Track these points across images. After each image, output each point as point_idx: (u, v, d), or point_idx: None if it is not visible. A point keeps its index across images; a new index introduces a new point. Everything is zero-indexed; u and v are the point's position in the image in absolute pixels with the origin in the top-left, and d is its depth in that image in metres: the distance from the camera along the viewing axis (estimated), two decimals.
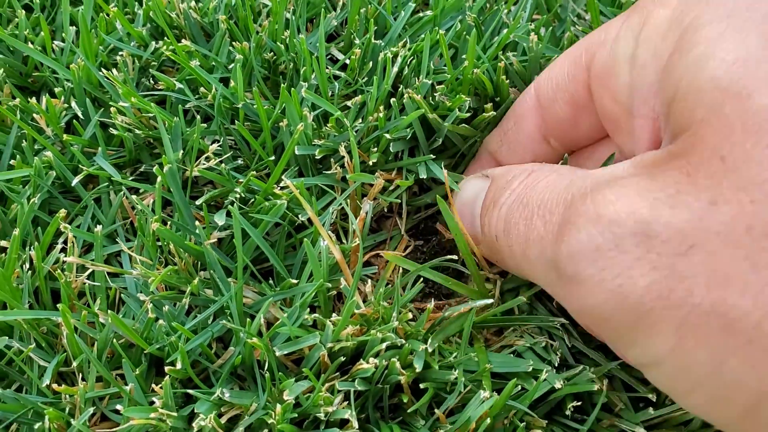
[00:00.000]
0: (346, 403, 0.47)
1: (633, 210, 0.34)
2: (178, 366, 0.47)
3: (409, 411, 0.47)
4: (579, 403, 0.47)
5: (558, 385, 0.47)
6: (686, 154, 0.33)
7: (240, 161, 0.58)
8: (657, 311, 0.32)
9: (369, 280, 0.54)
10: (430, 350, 0.49)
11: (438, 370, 0.49)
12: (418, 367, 0.47)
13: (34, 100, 0.58)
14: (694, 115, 0.33)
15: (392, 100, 0.55)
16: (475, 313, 0.50)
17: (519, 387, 0.47)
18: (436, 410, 0.47)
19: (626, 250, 0.33)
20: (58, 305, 0.49)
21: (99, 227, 0.53)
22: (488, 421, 0.45)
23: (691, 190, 0.32)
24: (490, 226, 0.46)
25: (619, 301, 0.34)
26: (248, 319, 0.49)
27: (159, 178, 0.52)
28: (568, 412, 0.47)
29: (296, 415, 0.46)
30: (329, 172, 0.56)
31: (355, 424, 0.46)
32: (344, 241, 0.55)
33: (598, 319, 0.36)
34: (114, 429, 0.47)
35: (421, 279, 0.53)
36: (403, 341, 0.48)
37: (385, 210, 0.58)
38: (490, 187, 0.48)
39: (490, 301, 0.50)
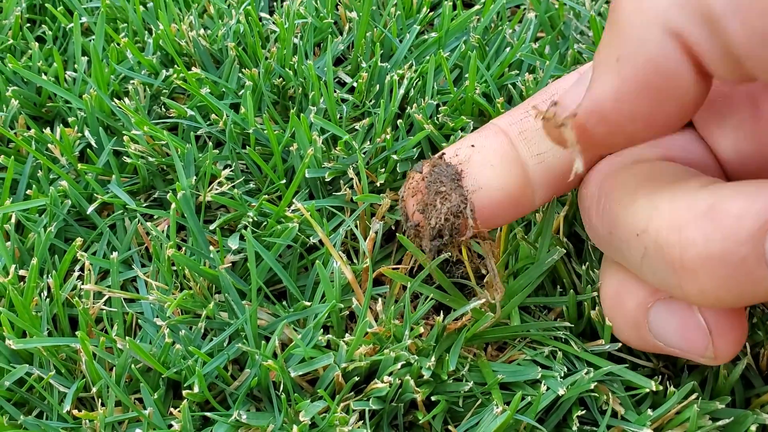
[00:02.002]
0: (361, 422, 0.48)
1: None
2: (196, 389, 0.48)
3: (421, 421, 0.48)
4: (584, 411, 0.48)
5: (561, 391, 0.48)
6: None
7: (252, 185, 0.59)
8: None
9: (380, 299, 0.55)
10: (447, 364, 0.49)
11: (451, 382, 0.50)
12: (426, 374, 0.47)
13: (48, 130, 0.59)
14: None
15: (399, 121, 0.56)
16: (477, 326, 0.51)
17: (526, 399, 0.47)
18: (449, 426, 0.48)
19: None
20: (76, 332, 0.50)
21: (115, 254, 0.54)
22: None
23: None
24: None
25: None
26: (263, 342, 0.50)
27: (173, 205, 0.53)
28: (575, 426, 0.47)
29: None
30: (339, 193, 0.57)
31: None
32: (355, 260, 0.56)
33: None
34: None
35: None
36: (416, 357, 0.49)
37: (393, 228, 0.59)
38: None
39: (482, 300, 0.50)
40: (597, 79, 0.35)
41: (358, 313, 0.52)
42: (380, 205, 0.56)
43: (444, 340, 0.52)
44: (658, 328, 0.41)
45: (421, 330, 0.50)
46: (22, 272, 0.53)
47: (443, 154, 0.41)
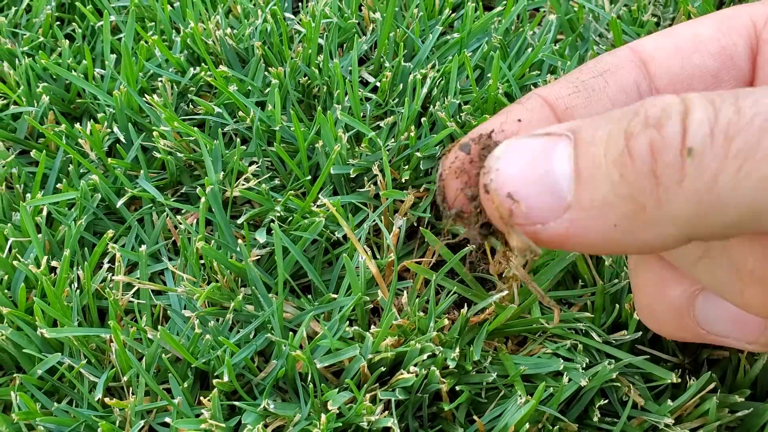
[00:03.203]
0: (386, 412, 0.49)
1: None
2: (225, 379, 0.49)
3: (445, 411, 0.49)
4: (606, 401, 0.49)
5: (584, 382, 0.48)
6: None
7: (277, 181, 0.60)
8: None
9: (404, 292, 0.56)
10: (472, 355, 0.50)
11: (474, 374, 0.51)
12: (451, 365, 0.48)
13: (78, 125, 0.60)
14: None
15: (422, 119, 0.57)
16: (500, 318, 0.52)
17: (548, 390, 0.48)
18: (474, 416, 0.49)
19: None
20: (106, 322, 0.51)
21: (143, 247, 0.55)
22: (527, 426, 0.46)
23: None
24: (679, 151, 0.32)
25: None
26: (290, 333, 0.51)
27: (203, 199, 0.54)
28: (596, 417, 0.48)
29: (340, 424, 0.48)
30: (363, 190, 0.58)
31: (397, 430, 0.47)
32: (378, 255, 0.57)
33: None
34: None
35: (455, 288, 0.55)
36: (441, 348, 0.50)
37: (415, 224, 0.60)
38: (581, 145, 0.34)
39: (505, 292, 0.51)
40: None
41: (383, 306, 0.52)
42: (403, 201, 0.57)
43: (467, 332, 0.53)
44: (707, 315, 0.41)
45: (445, 322, 0.51)
46: (53, 263, 0.55)
47: (491, 132, 0.40)
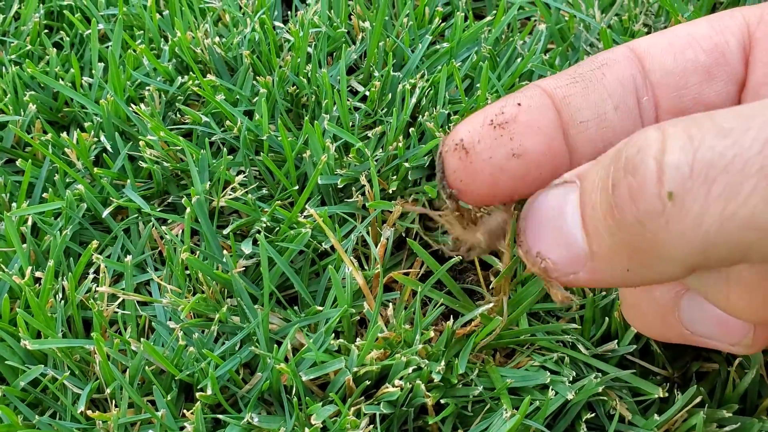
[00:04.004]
0: (371, 426, 0.48)
1: None
2: (209, 391, 0.49)
3: (430, 423, 0.48)
4: (593, 415, 0.48)
5: (570, 395, 0.48)
6: None
7: (264, 191, 0.59)
8: None
9: (390, 304, 0.56)
10: (457, 368, 0.50)
11: (460, 387, 0.50)
12: (436, 378, 0.48)
13: (65, 134, 0.60)
14: None
15: (411, 129, 0.57)
16: (486, 330, 0.51)
17: (535, 404, 0.48)
18: (460, 430, 0.48)
19: None
20: (90, 334, 0.51)
21: (129, 257, 0.55)
22: None
23: None
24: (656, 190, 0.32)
25: None
26: (275, 345, 0.51)
27: (188, 209, 0.54)
28: (583, 430, 0.48)
29: None
30: (350, 200, 0.57)
31: None
32: (366, 266, 0.56)
33: None
34: None
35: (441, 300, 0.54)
36: (426, 362, 0.49)
37: (404, 234, 0.59)
38: (584, 194, 0.36)
39: (491, 305, 0.51)
40: (603, 272, 0.35)
41: (369, 318, 0.52)
42: (391, 212, 0.57)
43: (453, 345, 0.52)
44: (692, 315, 0.41)
45: (431, 335, 0.51)
46: (38, 274, 0.54)
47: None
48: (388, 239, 0.56)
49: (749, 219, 0.28)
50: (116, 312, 0.54)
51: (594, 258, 0.34)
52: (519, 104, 0.40)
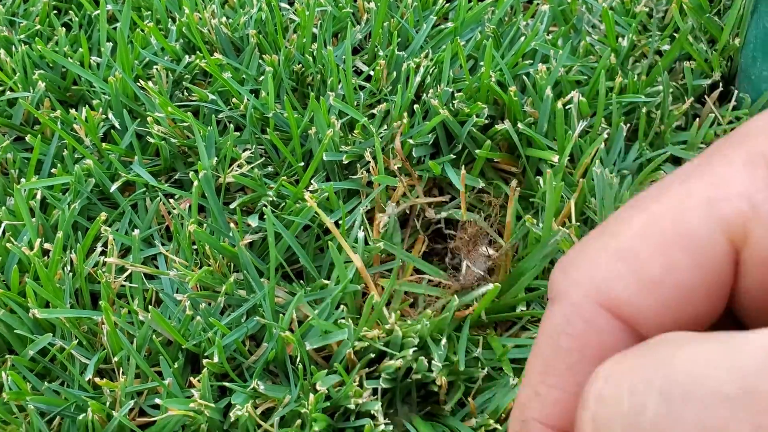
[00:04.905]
0: (375, 396, 0.49)
1: None
2: (215, 359, 0.49)
3: (440, 394, 0.49)
4: None
5: None
6: None
7: (270, 168, 0.60)
8: None
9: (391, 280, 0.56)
10: (458, 344, 0.50)
11: (465, 369, 0.50)
12: (439, 362, 0.48)
13: (74, 111, 0.60)
14: None
15: (415, 106, 0.58)
16: (485, 302, 0.52)
17: None
18: (465, 399, 0.49)
19: None
20: (99, 305, 0.52)
21: (136, 231, 0.56)
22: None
23: None
24: None
25: None
26: (281, 316, 0.52)
27: (195, 183, 0.55)
28: None
29: (328, 404, 0.48)
30: (355, 177, 0.58)
31: (381, 418, 0.47)
32: (369, 242, 0.57)
33: None
34: (154, 418, 0.49)
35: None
36: (427, 339, 0.50)
37: (407, 212, 0.60)
38: None
39: (491, 286, 0.51)
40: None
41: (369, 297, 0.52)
42: (395, 188, 0.58)
43: (453, 322, 0.53)
44: None
45: (430, 313, 0.51)
46: (47, 246, 0.55)
47: None
48: (390, 216, 0.57)
49: None
50: (123, 285, 0.55)
51: None
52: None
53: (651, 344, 0.32)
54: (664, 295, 0.35)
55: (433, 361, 0.49)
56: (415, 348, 0.49)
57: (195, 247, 0.56)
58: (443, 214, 0.58)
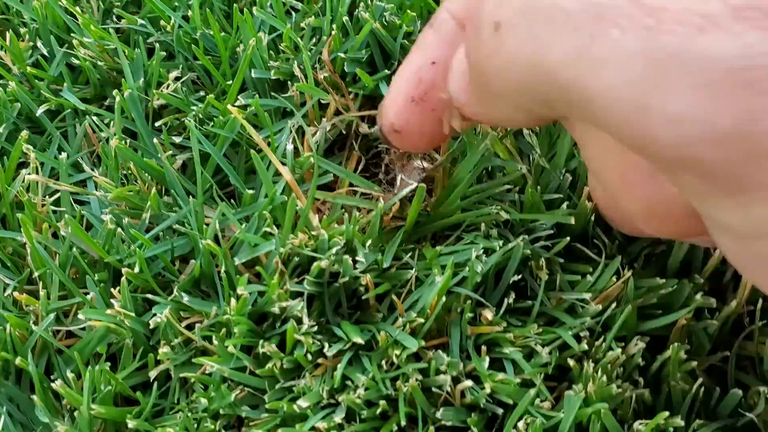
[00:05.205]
0: (300, 299, 0.48)
1: None
2: (136, 270, 0.48)
3: (369, 297, 0.48)
4: (519, 276, 0.48)
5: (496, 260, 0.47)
6: None
7: (202, 93, 0.59)
8: None
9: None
10: (387, 254, 0.49)
11: (395, 272, 0.49)
12: (364, 260, 0.47)
13: None
14: None
15: (344, 18, 0.57)
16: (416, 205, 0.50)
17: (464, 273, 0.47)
18: (394, 302, 0.48)
19: None
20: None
21: (64, 154, 0.55)
22: (443, 300, 0.45)
23: None
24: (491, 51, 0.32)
25: None
26: (206, 226, 0.51)
27: (118, 99, 0.53)
28: (511, 298, 0.47)
29: (251, 309, 0.47)
30: (286, 95, 0.57)
31: (306, 320, 0.46)
32: (302, 157, 0.56)
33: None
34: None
35: None
36: (353, 240, 0.49)
37: (343, 132, 0.59)
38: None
39: (414, 185, 0.50)
40: (472, 107, 0.38)
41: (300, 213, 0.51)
42: (328, 106, 0.56)
43: (387, 234, 0.52)
44: None
45: (357, 216, 0.50)
46: None
47: None
48: (323, 131, 0.56)
49: (548, 70, 0.28)
50: (54, 211, 0.54)
51: (466, 93, 0.37)
52: (433, 63, 0.41)
53: None
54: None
55: (357, 259, 0.47)
56: (341, 248, 0.48)
57: (124, 172, 0.55)
58: (376, 128, 0.57)
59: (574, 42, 0.27)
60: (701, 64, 0.24)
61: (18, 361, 0.46)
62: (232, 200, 0.55)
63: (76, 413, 0.47)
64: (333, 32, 0.56)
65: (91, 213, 0.54)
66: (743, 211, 0.26)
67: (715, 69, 0.24)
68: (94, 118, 0.56)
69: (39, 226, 0.52)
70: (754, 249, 0.28)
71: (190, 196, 0.53)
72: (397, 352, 0.46)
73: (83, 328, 0.50)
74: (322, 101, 0.56)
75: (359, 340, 0.46)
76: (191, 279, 0.50)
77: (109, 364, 0.47)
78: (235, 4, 0.59)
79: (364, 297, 0.48)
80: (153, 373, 0.48)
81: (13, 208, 0.54)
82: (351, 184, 0.55)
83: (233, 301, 0.46)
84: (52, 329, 0.49)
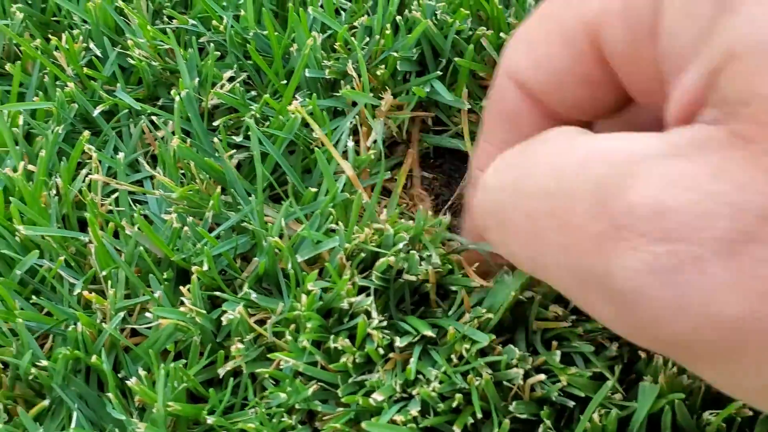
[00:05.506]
0: (365, 294, 0.48)
1: (709, 224, 0.26)
2: (205, 267, 0.49)
3: (432, 298, 0.48)
4: None
5: None
6: (759, 140, 0.26)
7: (254, 93, 0.59)
8: (753, 335, 0.27)
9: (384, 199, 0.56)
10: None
11: (461, 277, 0.50)
12: (435, 258, 0.48)
13: (54, 38, 0.60)
14: (762, 90, 0.27)
15: (398, 18, 0.57)
16: None
17: None
18: (463, 294, 0.48)
19: (710, 269, 0.27)
20: (87, 230, 0.51)
21: (121, 154, 0.55)
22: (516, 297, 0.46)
23: None
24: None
25: (703, 326, 0.27)
26: (270, 225, 0.51)
27: (177, 99, 0.54)
28: None
29: (321, 305, 0.47)
30: (339, 94, 0.57)
31: (375, 314, 0.47)
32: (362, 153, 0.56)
33: (675, 345, 0.29)
34: (146, 335, 0.49)
35: None
36: (421, 235, 0.49)
37: (395, 134, 0.59)
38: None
39: None
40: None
41: (365, 207, 0.52)
42: (380, 106, 0.57)
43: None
44: None
45: (424, 210, 0.51)
46: (30, 167, 0.54)
47: None
48: (378, 132, 0.56)
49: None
50: (111, 211, 0.54)
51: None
52: None
53: (530, 141, 0.36)
54: (548, 75, 0.40)
55: (426, 254, 0.48)
56: (407, 244, 0.48)
57: (182, 171, 0.56)
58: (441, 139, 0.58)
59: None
60: None
61: (93, 359, 0.47)
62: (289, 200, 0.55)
63: (146, 410, 0.47)
64: (387, 31, 0.57)
65: (151, 211, 0.54)
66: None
67: None
68: (152, 117, 0.57)
69: (100, 225, 0.52)
70: None
71: (249, 196, 0.53)
72: (467, 346, 0.46)
73: (148, 327, 0.51)
74: (373, 104, 0.57)
75: (430, 334, 0.46)
76: (255, 276, 0.51)
77: (183, 360, 0.48)
78: (289, 4, 0.59)
79: (429, 295, 0.49)
80: (222, 370, 0.48)
81: (74, 208, 0.54)
82: (406, 184, 0.56)
83: (304, 297, 0.47)
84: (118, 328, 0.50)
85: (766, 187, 0.26)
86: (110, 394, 0.47)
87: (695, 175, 0.27)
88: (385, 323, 0.47)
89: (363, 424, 0.43)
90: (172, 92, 0.55)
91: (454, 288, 0.49)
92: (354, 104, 0.58)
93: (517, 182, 0.33)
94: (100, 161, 0.55)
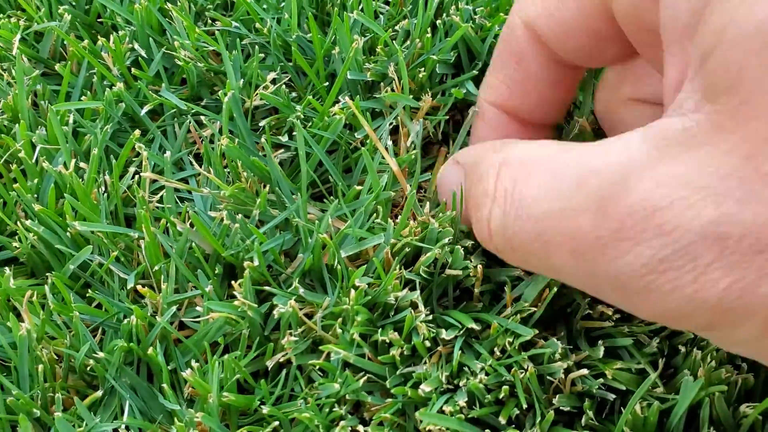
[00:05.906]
0: (410, 289, 0.50)
1: (695, 213, 0.30)
2: (255, 263, 0.50)
3: (475, 293, 0.50)
4: None
5: None
6: (739, 128, 0.29)
7: (294, 94, 0.61)
8: (740, 309, 0.30)
9: (424, 198, 0.58)
10: None
11: (502, 269, 0.51)
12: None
13: (101, 39, 0.61)
14: (746, 76, 0.29)
15: (438, 21, 0.59)
16: None
17: None
18: (501, 294, 0.50)
19: (698, 256, 0.30)
20: (135, 226, 0.52)
21: (167, 153, 0.57)
22: (554, 291, 0.47)
23: (755, 177, 0.29)
24: (487, 238, 0.42)
25: (698, 305, 0.31)
26: (316, 223, 0.53)
27: (225, 99, 0.56)
28: None
29: (368, 300, 0.49)
30: (379, 95, 0.59)
31: (422, 307, 0.48)
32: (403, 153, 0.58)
33: (673, 320, 0.34)
34: (195, 329, 0.50)
35: None
36: (465, 231, 0.51)
37: (431, 134, 0.61)
38: (467, 183, 0.45)
39: None
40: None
41: (407, 197, 0.53)
42: (418, 108, 0.58)
43: None
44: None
45: None
46: (81, 165, 0.56)
47: None
48: (417, 133, 0.58)
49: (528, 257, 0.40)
50: (157, 207, 0.56)
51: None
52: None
53: (521, 170, 0.39)
54: (558, 23, 0.44)
55: (472, 246, 0.50)
56: (451, 240, 0.50)
57: (227, 170, 0.57)
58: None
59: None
60: None
61: (150, 351, 0.48)
62: (331, 197, 0.57)
63: (195, 401, 0.49)
64: (427, 35, 0.58)
65: (198, 209, 0.56)
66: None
67: None
68: (195, 114, 0.58)
69: (147, 213, 0.54)
70: None
71: (292, 194, 0.55)
72: (510, 339, 0.48)
73: (196, 320, 0.52)
74: (412, 106, 0.58)
75: (475, 327, 0.48)
76: (301, 271, 0.52)
77: (234, 353, 0.49)
78: (333, 8, 0.61)
79: (471, 290, 0.51)
80: (271, 362, 0.50)
81: (122, 204, 0.56)
82: None
83: (352, 291, 0.48)
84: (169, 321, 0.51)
85: (746, 172, 0.29)
86: (164, 385, 0.48)
87: (682, 174, 0.30)
88: (430, 317, 0.49)
89: (416, 414, 0.45)
90: (219, 93, 0.57)
91: (497, 280, 0.50)
92: (392, 106, 0.59)
93: (519, 211, 0.38)
94: (148, 159, 0.56)
